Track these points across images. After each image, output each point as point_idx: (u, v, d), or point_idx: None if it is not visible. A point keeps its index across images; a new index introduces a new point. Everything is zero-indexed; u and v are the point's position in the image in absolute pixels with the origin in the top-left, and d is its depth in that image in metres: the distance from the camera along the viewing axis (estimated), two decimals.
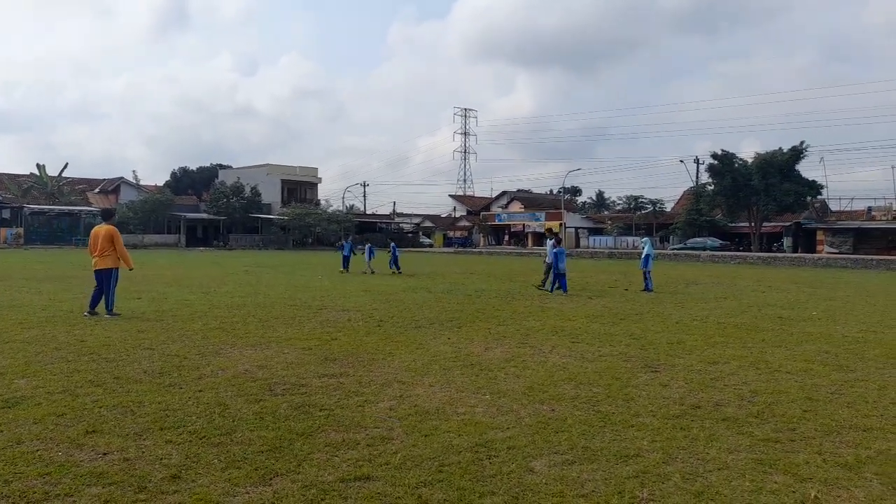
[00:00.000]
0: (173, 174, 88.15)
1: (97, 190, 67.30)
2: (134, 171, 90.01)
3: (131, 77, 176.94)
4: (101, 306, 10.36)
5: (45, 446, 4.23)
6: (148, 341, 8.08)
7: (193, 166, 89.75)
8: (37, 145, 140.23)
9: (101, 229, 10.45)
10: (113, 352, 7.36)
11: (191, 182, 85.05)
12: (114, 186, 67.98)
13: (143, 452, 4.15)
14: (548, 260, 16.40)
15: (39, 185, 60.05)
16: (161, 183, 78.92)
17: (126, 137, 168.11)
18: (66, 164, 63.79)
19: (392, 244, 25.27)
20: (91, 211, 58.29)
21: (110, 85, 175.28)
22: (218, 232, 63.30)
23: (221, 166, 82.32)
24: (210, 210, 62.47)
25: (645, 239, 19.19)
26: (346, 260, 24.17)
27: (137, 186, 67.17)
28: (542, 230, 66.04)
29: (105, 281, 10.29)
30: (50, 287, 15.49)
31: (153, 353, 7.30)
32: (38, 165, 61.20)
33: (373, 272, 22.65)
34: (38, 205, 56.49)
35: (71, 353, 7.21)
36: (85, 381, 5.92)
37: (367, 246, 24.58)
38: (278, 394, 5.62)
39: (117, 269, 10.49)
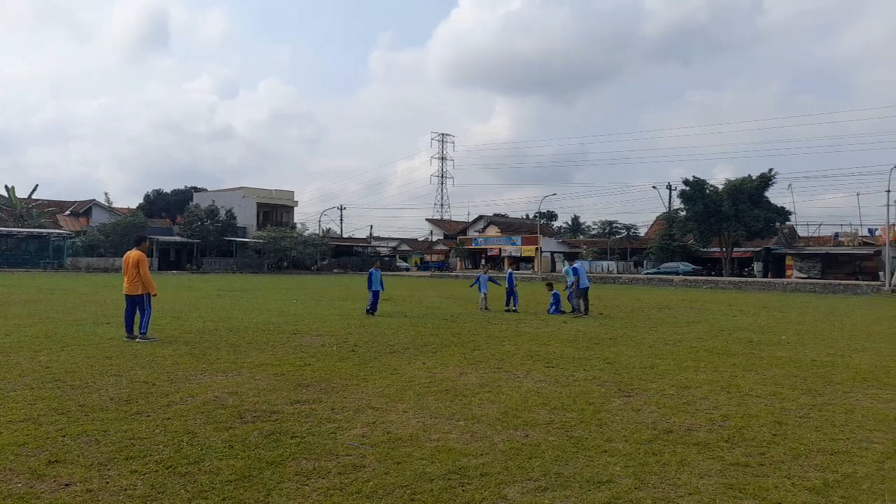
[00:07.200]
0: (147, 196, 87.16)
1: (68, 212, 66.16)
2: (106, 194, 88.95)
3: (106, 98, 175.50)
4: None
5: (3, 477, 4.10)
6: (115, 367, 7.90)
7: (168, 189, 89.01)
8: (6, 166, 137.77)
9: (131, 255, 10.70)
10: (79, 378, 7.18)
11: (165, 205, 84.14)
12: (85, 209, 66.92)
13: (108, 483, 4.04)
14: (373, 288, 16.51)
15: (8, 207, 58.88)
16: (134, 205, 77.97)
17: (99, 159, 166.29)
18: (37, 185, 62.95)
19: (510, 271, 19.80)
20: (61, 234, 57.24)
21: (85, 106, 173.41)
22: (191, 255, 62.47)
23: (196, 189, 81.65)
24: (184, 233, 61.72)
25: (566, 269, 18.45)
26: (375, 297, 16.45)
27: (109, 209, 66.17)
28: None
29: (139, 305, 10.56)
30: (15, 311, 15.11)
31: (120, 380, 7.14)
32: (6, 187, 60.16)
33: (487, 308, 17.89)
34: (6, 227, 55.27)
35: (35, 381, 7.02)
36: (48, 409, 5.77)
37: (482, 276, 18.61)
38: (249, 421, 5.53)
39: (149, 294, 10.67)
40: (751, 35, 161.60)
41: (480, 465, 4.49)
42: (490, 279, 19.01)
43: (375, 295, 16.34)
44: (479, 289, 18.31)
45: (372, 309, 16.00)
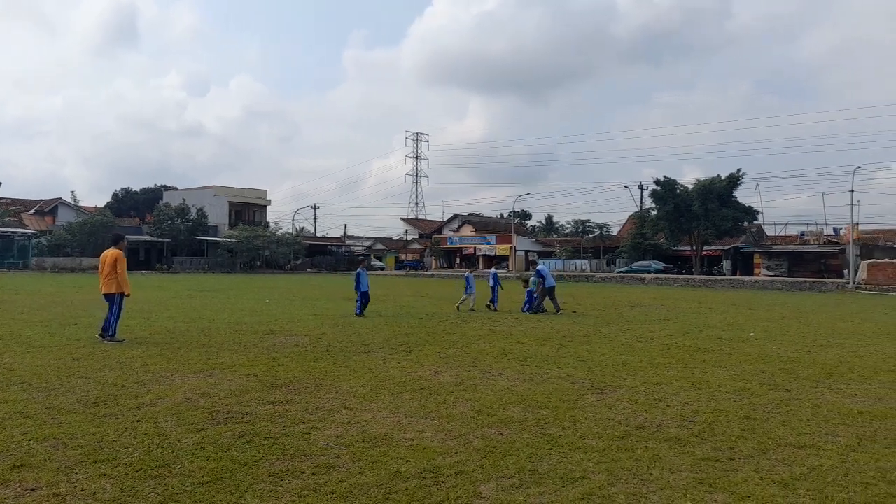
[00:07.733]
0: (115, 195, 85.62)
1: (33, 211, 64.50)
2: (72, 192, 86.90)
3: (73, 94, 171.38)
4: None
5: None
6: (83, 369, 7.74)
7: (137, 187, 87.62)
8: None
9: (108, 253, 10.57)
10: (45, 381, 7.02)
11: (133, 203, 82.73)
12: (50, 207, 65.31)
13: (75, 487, 3.95)
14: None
15: None
16: (102, 204, 76.48)
17: (66, 157, 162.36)
18: (0, 183, 61.28)
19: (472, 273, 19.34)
20: (25, 233, 55.81)
21: (50, 102, 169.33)
22: (161, 255, 61.44)
23: (166, 187, 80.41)
24: (153, 232, 60.64)
25: (533, 279, 18.21)
26: (364, 297, 15.91)
27: (76, 207, 64.72)
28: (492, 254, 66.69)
29: (110, 305, 10.34)
30: None
31: (88, 382, 7.00)
32: None
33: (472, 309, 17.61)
34: None
35: None
36: (13, 413, 5.62)
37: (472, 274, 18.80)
38: (221, 422, 5.46)
39: (122, 293, 10.49)
40: (720, 38, 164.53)
41: (455, 464, 4.49)
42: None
43: (364, 296, 15.88)
44: (468, 290, 17.98)
45: (360, 310, 15.68)
